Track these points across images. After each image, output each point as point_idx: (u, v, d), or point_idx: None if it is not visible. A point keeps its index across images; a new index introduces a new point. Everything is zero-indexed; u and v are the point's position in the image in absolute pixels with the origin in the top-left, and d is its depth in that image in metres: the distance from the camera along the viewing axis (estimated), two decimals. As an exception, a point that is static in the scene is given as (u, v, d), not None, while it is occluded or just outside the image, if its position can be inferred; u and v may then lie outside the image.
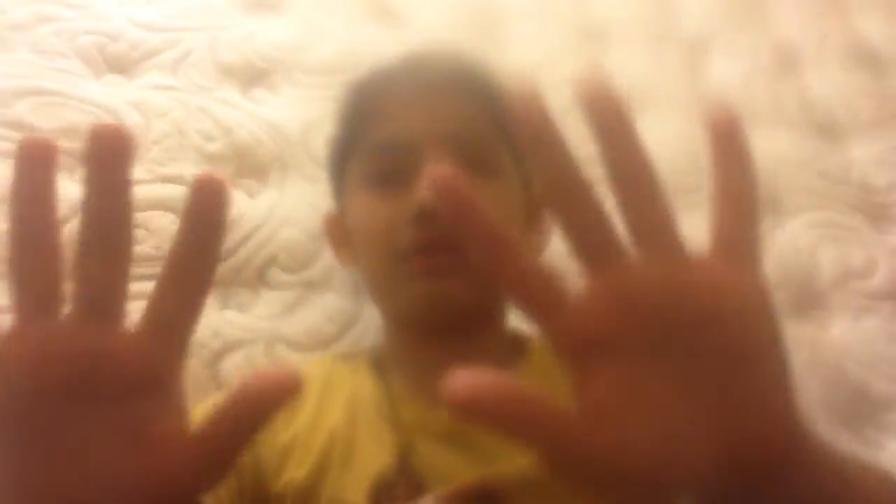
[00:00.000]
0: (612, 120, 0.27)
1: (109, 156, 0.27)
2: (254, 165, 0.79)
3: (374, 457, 0.51)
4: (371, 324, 0.72)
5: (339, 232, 0.66)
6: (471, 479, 0.49)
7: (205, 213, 0.28)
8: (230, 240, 0.73)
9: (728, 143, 0.29)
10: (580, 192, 0.27)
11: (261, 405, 0.27)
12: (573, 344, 0.27)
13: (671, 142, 0.90)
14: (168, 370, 0.29)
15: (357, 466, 0.51)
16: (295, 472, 0.51)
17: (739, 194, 0.29)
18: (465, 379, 0.24)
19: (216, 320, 0.69)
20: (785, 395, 0.28)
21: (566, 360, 0.27)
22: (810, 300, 0.85)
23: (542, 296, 0.27)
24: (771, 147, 0.95)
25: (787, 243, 0.88)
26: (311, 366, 0.62)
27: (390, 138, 0.57)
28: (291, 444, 0.53)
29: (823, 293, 0.86)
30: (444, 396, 0.24)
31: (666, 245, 0.27)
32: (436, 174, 0.26)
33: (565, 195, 0.27)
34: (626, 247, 0.27)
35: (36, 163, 0.28)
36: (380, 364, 0.60)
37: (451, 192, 0.26)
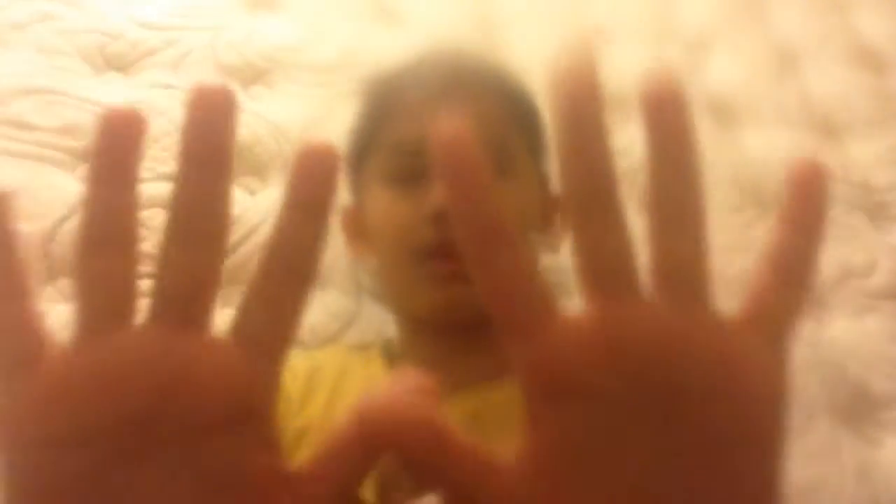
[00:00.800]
0: (676, 133, 0.23)
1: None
2: (254, 164, 0.79)
3: None
4: (372, 321, 0.72)
5: (354, 226, 0.66)
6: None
7: (313, 163, 0.25)
8: (231, 238, 0.73)
9: (806, 204, 0.24)
10: (607, 203, 0.22)
11: (386, 440, 0.22)
12: (542, 377, 0.22)
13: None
14: (263, 394, 0.23)
15: None
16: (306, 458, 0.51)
17: (797, 264, 0.24)
18: (380, 402, 0.21)
19: (217, 318, 0.69)
20: None
21: (527, 394, 0.23)
22: (810, 298, 0.85)
23: (522, 308, 0.22)
24: (771, 146, 0.96)
25: (787, 242, 0.89)
26: (325, 355, 0.63)
27: (409, 137, 0.57)
28: (305, 428, 0.53)
29: (824, 292, 0.86)
30: (357, 414, 0.22)
31: (690, 292, 0.23)
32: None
33: (589, 201, 0.22)
34: (642, 283, 0.23)
35: (120, 136, 0.22)
36: (392, 357, 0.61)
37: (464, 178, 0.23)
